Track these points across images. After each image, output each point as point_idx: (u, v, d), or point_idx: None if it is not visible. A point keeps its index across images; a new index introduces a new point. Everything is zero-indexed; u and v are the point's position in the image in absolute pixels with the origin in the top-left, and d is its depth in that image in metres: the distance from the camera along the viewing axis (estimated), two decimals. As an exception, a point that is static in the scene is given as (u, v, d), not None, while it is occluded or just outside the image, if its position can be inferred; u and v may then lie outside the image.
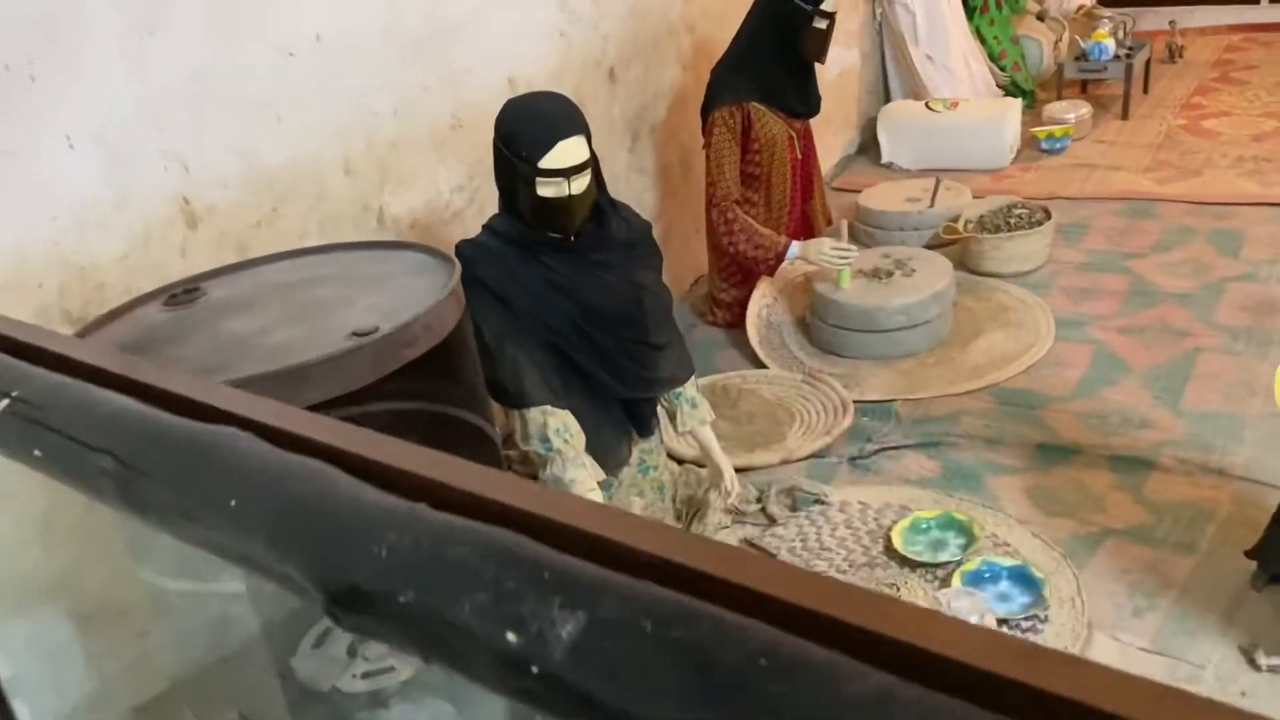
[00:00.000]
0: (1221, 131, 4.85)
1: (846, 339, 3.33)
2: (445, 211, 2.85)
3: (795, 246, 3.36)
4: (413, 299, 1.73)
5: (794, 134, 3.45)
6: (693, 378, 2.48)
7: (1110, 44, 5.18)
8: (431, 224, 2.81)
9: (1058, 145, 4.84)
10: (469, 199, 2.91)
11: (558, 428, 2.18)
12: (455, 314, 1.72)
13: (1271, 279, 3.42)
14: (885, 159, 4.94)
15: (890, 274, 3.37)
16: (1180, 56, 6.01)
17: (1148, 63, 5.44)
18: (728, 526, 2.60)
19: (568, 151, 2.14)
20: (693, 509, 2.63)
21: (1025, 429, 2.83)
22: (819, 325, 3.40)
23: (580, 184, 2.18)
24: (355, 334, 1.58)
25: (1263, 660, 1.98)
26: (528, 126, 2.15)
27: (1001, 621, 2.10)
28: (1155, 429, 2.74)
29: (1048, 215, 3.76)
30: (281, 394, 1.49)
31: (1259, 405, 2.77)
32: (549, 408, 2.18)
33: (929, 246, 3.94)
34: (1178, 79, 5.72)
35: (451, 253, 2.26)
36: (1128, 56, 5.19)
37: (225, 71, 2.22)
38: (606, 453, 2.35)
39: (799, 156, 3.50)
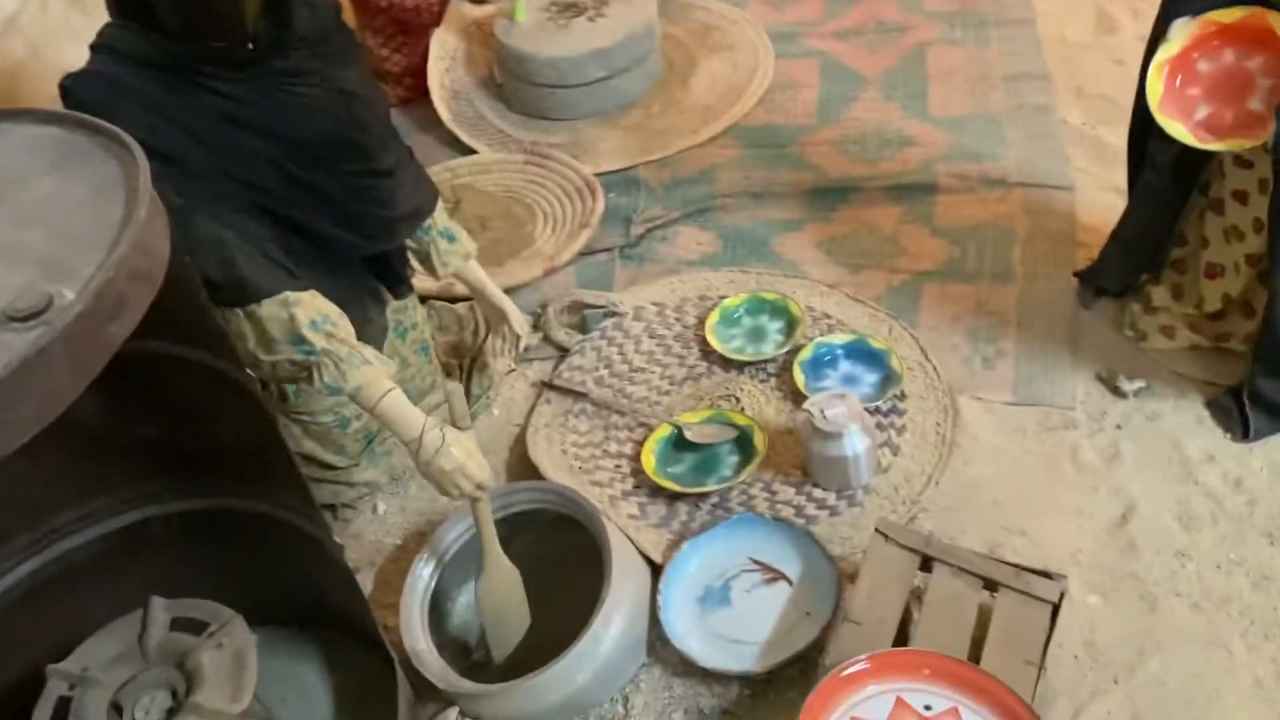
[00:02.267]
0: None
1: (551, 98, 2.80)
2: (-6, 22, 1.92)
3: None
4: (71, 224, 1.03)
5: None
6: (440, 202, 1.89)
7: None
8: (-21, 45, 1.89)
9: None
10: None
11: (312, 319, 1.56)
12: (164, 236, 1.04)
13: (957, -47, 3.25)
14: None
15: (581, 11, 2.83)
16: None
17: None
18: (513, 370, 2.13)
19: (220, -90, 1.39)
20: (462, 358, 2.12)
21: (787, 173, 2.53)
22: (516, 85, 2.83)
23: (244, -41, 1.45)
24: (12, 318, 0.90)
25: (1126, 386, 1.90)
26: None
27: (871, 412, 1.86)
28: (918, 145, 2.54)
29: (723, -89, 3.31)
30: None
31: (1003, 99, 2.64)
32: (288, 294, 1.55)
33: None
34: None
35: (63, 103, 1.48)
36: None
37: None
38: (359, 332, 1.76)
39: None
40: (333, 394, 1.59)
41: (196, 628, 1.42)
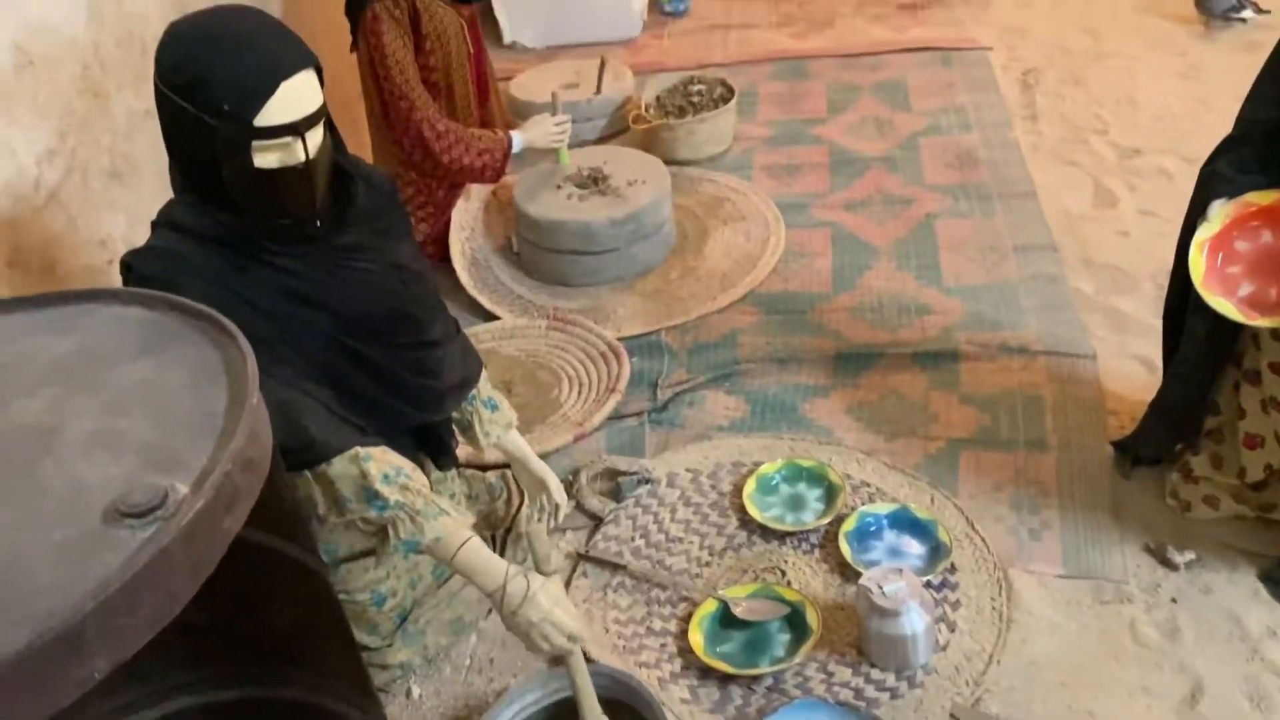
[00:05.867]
0: (827, -22, 4.82)
1: (571, 264, 2.84)
2: (37, 194, 1.92)
3: (517, 137, 2.80)
4: (171, 411, 0.99)
5: (463, 23, 2.80)
6: (484, 372, 1.87)
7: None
8: (21, 216, 1.89)
9: (681, 7, 4.54)
10: (66, 169, 1.99)
11: (386, 473, 1.51)
12: (268, 422, 1.01)
13: (954, 128, 3.39)
14: (508, 39, 4.36)
15: (599, 180, 2.90)
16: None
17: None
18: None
19: (297, 96, 1.42)
20: (495, 529, 2.06)
21: (809, 339, 2.56)
22: (535, 252, 2.87)
23: (316, 140, 1.48)
24: (125, 513, 0.85)
25: (1176, 558, 1.88)
26: (227, 65, 1.38)
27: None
28: (935, 312, 2.58)
29: (728, 90, 3.45)
30: (39, 680, 0.77)
31: (1014, 268, 2.71)
32: (359, 451, 1.51)
33: (604, 138, 3.53)
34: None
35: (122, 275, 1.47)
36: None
37: None
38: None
39: (471, 50, 2.86)
40: (409, 550, 1.53)
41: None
